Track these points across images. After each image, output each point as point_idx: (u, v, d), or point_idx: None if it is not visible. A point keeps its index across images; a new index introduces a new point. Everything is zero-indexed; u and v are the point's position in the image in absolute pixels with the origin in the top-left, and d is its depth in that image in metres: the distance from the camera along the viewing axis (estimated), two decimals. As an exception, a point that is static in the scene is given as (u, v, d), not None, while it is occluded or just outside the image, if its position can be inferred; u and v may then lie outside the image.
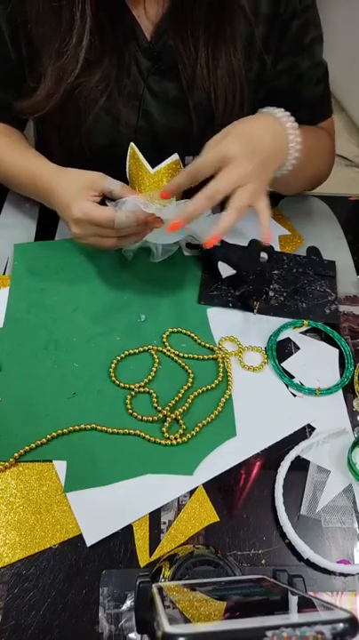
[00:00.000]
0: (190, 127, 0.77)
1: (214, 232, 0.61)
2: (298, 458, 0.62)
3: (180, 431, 0.63)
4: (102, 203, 0.69)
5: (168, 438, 0.62)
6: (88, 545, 0.55)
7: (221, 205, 0.65)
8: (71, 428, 0.62)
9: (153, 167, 0.71)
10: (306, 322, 0.74)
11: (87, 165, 0.74)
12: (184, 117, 0.77)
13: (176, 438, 0.62)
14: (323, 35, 0.80)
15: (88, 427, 0.62)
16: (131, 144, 0.72)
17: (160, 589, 0.37)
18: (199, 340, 0.72)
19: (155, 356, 0.69)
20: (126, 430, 0.62)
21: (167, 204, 0.66)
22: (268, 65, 0.77)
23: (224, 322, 0.74)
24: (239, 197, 0.61)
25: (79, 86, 0.72)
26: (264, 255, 0.73)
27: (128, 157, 0.72)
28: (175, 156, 0.71)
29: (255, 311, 0.75)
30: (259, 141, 0.64)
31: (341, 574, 0.55)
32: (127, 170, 0.73)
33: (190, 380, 0.67)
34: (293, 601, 0.35)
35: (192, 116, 0.76)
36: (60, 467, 0.60)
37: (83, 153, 0.79)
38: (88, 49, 0.69)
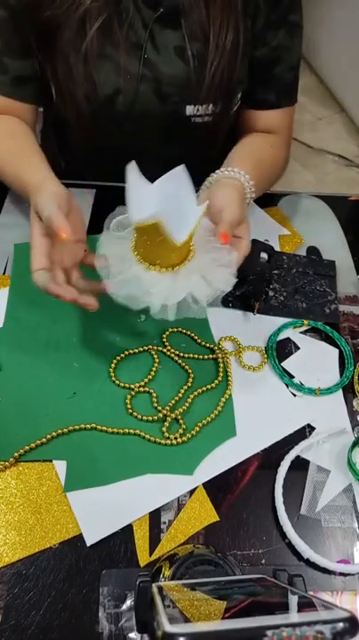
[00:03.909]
0: (192, 76, 0.78)
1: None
2: (298, 458, 0.62)
3: (180, 431, 0.63)
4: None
5: (168, 438, 0.62)
6: (88, 545, 0.55)
7: None
8: (71, 427, 0.62)
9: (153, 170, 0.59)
10: (306, 322, 0.75)
11: (92, 117, 0.77)
12: (186, 66, 0.78)
13: (176, 438, 0.62)
14: (302, 29, 0.82)
15: (88, 426, 0.62)
16: (158, 216, 0.52)
17: (160, 589, 0.37)
18: (199, 340, 0.72)
19: (155, 356, 0.69)
20: (126, 430, 0.62)
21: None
22: (258, 25, 0.78)
23: (224, 322, 0.74)
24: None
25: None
26: (264, 255, 0.73)
27: (142, 227, 0.54)
28: (204, 206, 0.57)
29: (255, 311, 0.75)
30: None
31: (341, 574, 0.55)
32: (132, 242, 0.60)
33: (190, 379, 0.67)
34: (293, 600, 0.35)
35: (193, 64, 0.77)
36: (60, 466, 0.60)
37: (89, 103, 0.80)
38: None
